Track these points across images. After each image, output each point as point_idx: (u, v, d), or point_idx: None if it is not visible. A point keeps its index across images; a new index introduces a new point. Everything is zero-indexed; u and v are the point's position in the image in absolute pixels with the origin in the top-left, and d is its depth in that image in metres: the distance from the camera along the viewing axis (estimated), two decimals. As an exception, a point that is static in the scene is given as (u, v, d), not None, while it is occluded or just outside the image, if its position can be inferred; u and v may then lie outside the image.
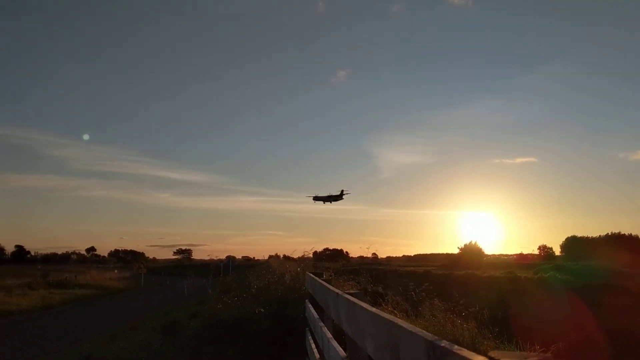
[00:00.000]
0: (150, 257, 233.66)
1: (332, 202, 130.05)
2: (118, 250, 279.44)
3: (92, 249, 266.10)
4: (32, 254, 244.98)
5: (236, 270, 53.72)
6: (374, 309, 2.81)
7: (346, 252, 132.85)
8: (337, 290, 4.44)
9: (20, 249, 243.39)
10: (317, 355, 6.35)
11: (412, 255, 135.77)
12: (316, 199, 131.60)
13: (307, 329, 8.32)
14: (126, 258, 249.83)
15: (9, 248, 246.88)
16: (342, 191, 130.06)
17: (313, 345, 6.88)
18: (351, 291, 4.29)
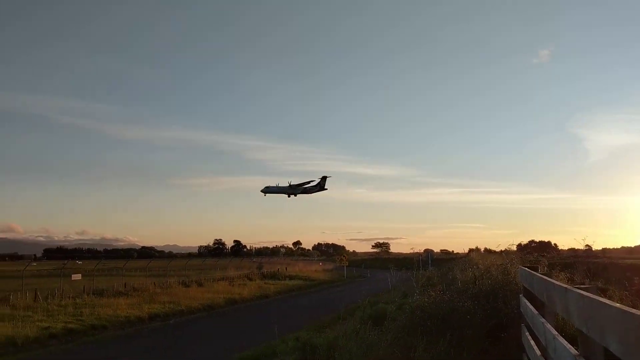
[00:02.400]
0: (350, 250, 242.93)
1: (310, 192, 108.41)
2: (320, 244, 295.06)
3: (298, 242, 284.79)
4: (248, 247, 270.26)
5: (435, 263, 53.36)
6: (618, 305, 2.65)
7: (554, 244, 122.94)
8: (564, 285, 4.23)
9: (237, 243, 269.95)
10: (538, 352, 6.09)
11: (633, 246, 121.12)
12: (268, 191, 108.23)
13: (522, 325, 8.01)
14: (328, 251, 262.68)
15: (229, 243, 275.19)
16: (324, 178, 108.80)
17: (532, 342, 6.60)
18: (583, 286, 4.06)
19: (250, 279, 60.53)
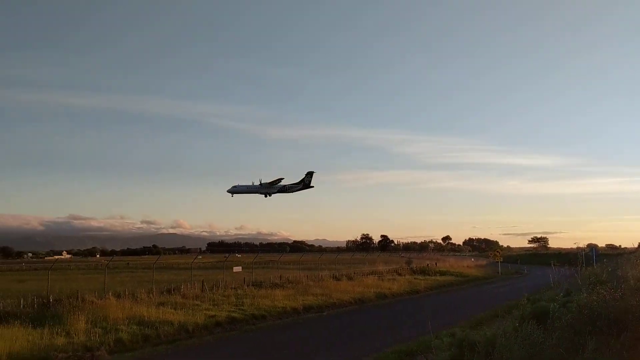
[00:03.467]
0: (504, 245, 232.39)
1: (290, 190, 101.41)
2: (472, 238, 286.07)
3: (447, 237, 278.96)
4: (395, 242, 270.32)
5: (600, 259, 49.13)
6: None
7: None
8: None
9: (385, 238, 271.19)
10: None
11: None
12: (235, 191, 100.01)
13: None
14: (480, 246, 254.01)
15: (376, 237, 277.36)
16: (310, 174, 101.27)
17: None
18: None
19: (400, 274, 60.32)
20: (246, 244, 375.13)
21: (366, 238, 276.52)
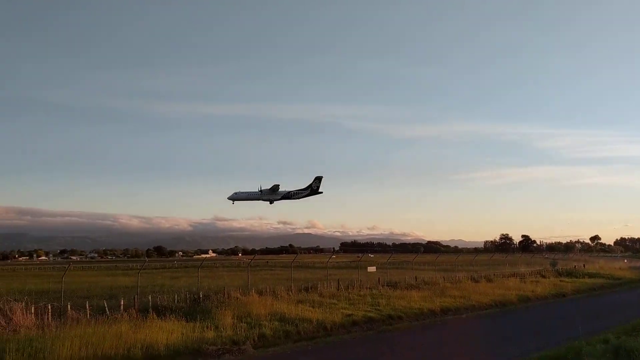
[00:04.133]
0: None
1: (295, 197, 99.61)
2: (624, 238, 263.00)
3: (596, 237, 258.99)
4: (538, 243, 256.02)
5: None
6: None
7: None
8: None
9: (526, 238, 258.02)
10: None
11: None
12: (236, 197, 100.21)
13: None
14: (633, 246, 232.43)
15: (516, 238, 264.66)
16: (318, 179, 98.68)
17: None
18: None
19: (544, 276, 57.05)
20: (379, 244, 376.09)
21: (506, 238, 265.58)
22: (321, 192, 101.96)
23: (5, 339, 18.43)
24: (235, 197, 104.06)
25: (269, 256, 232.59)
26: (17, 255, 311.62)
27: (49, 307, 23.76)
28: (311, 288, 36.77)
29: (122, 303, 26.18)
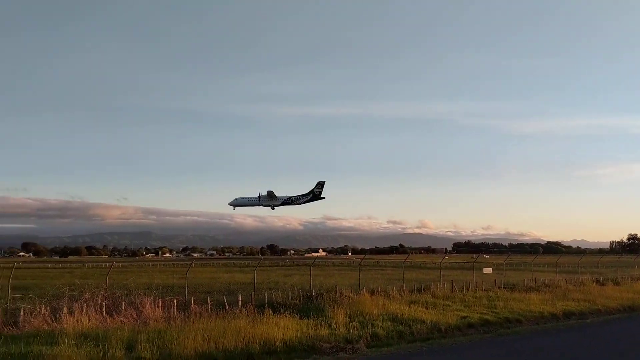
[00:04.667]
0: None
1: (295, 202, 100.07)
2: None
3: None
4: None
5: None
6: None
7: None
8: None
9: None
10: None
11: None
12: (236, 203, 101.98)
13: None
14: None
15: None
16: (320, 184, 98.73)
17: None
18: None
19: None
20: (494, 244, 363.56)
21: (634, 238, 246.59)
22: (323, 198, 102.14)
23: (137, 330, 19.83)
24: (236, 203, 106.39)
25: (379, 256, 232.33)
26: (144, 252, 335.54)
27: (175, 301, 25.31)
28: (424, 289, 36.25)
29: (240, 299, 27.29)
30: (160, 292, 27.93)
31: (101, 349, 16.96)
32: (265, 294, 29.59)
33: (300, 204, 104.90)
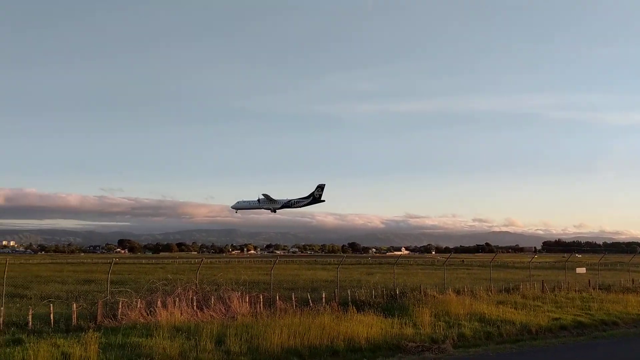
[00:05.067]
0: None
1: (295, 206, 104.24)
2: None
3: None
4: None
5: None
6: None
7: None
8: None
9: None
10: None
11: None
12: (238, 206, 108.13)
13: None
14: None
15: None
16: (320, 187, 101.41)
17: None
18: None
19: None
20: (587, 243, 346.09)
21: None
22: (323, 201, 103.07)
23: (226, 324, 20.48)
24: (238, 206, 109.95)
25: (464, 255, 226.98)
26: (230, 249, 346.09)
27: (261, 297, 25.92)
28: (512, 289, 35.15)
29: (323, 296, 27.55)
30: (247, 288, 28.70)
31: (193, 342, 17.66)
32: (349, 292, 29.69)
33: (300, 206, 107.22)
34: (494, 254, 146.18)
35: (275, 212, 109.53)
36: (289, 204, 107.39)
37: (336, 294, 28.40)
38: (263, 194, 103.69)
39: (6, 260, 26.56)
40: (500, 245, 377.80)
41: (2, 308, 21.27)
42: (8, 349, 16.04)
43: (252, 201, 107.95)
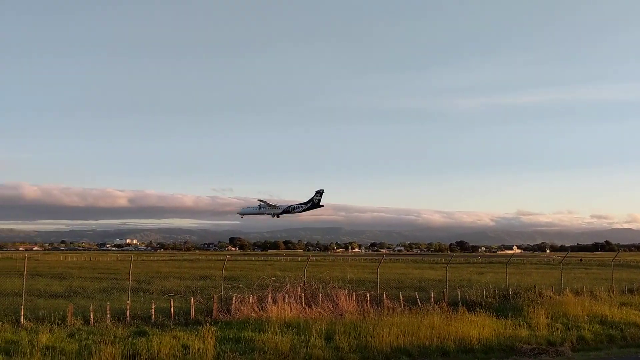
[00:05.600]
0: None
1: (295, 211, 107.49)
2: None
3: None
4: None
5: None
6: None
7: None
8: None
9: None
10: None
11: None
12: (243, 212, 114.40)
13: None
14: None
15: None
16: (319, 192, 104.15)
17: None
18: None
19: None
20: None
21: None
22: (322, 206, 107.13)
23: (334, 321, 20.71)
24: (243, 212, 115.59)
25: (582, 253, 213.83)
26: (335, 247, 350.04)
27: (367, 295, 25.96)
28: (637, 290, 32.71)
29: (432, 296, 27.09)
30: (353, 286, 28.85)
31: (302, 338, 18.03)
32: (458, 292, 28.99)
33: (300, 212, 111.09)
34: (615, 253, 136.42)
35: (278, 217, 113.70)
36: (289, 209, 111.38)
37: (445, 294, 27.84)
38: (259, 200, 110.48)
39: (131, 258, 28.61)
40: (622, 244, 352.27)
41: (128, 302, 22.93)
42: (134, 340, 17.23)
43: (255, 207, 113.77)
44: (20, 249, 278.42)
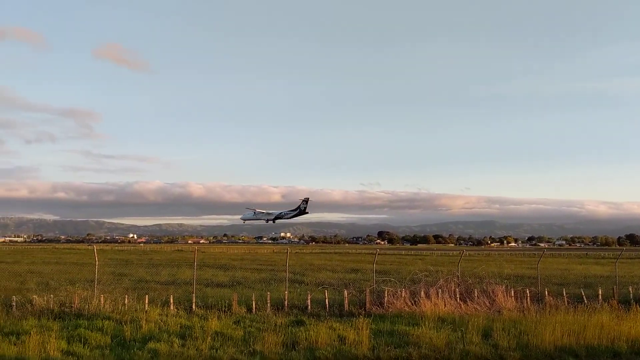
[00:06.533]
0: None
1: (285, 217, 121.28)
2: None
3: None
4: None
5: None
6: None
7: None
8: None
9: None
10: None
11: None
12: (245, 218, 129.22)
13: None
14: None
15: None
16: (306, 200, 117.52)
17: None
18: None
19: None
20: None
21: None
22: (307, 213, 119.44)
23: (491, 318, 19.96)
24: (244, 218, 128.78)
25: None
26: (489, 241, 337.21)
27: (527, 291, 24.65)
28: None
29: (600, 293, 25.08)
30: (511, 282, 27.59)
31: (459, 334, 17.58)
32: (630, 289, 26.51)
33: (289, 218, 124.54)
34: None
35: (274, 222, 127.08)
36: (280, 216, 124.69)
37: (615, 291, 25.61)
38: (247, 208, 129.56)
39: (287, 251, 30.01)
40: None
41: (286, 292, 24.06)
42: (294, 329, 18.05)
43: (251, 213, 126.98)
44: (189, 242, 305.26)
